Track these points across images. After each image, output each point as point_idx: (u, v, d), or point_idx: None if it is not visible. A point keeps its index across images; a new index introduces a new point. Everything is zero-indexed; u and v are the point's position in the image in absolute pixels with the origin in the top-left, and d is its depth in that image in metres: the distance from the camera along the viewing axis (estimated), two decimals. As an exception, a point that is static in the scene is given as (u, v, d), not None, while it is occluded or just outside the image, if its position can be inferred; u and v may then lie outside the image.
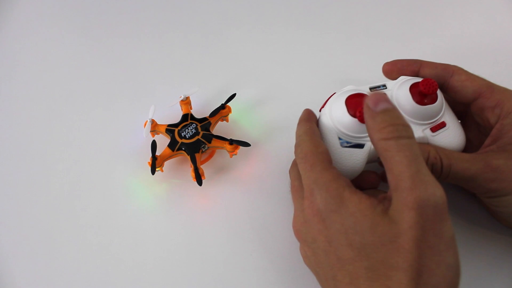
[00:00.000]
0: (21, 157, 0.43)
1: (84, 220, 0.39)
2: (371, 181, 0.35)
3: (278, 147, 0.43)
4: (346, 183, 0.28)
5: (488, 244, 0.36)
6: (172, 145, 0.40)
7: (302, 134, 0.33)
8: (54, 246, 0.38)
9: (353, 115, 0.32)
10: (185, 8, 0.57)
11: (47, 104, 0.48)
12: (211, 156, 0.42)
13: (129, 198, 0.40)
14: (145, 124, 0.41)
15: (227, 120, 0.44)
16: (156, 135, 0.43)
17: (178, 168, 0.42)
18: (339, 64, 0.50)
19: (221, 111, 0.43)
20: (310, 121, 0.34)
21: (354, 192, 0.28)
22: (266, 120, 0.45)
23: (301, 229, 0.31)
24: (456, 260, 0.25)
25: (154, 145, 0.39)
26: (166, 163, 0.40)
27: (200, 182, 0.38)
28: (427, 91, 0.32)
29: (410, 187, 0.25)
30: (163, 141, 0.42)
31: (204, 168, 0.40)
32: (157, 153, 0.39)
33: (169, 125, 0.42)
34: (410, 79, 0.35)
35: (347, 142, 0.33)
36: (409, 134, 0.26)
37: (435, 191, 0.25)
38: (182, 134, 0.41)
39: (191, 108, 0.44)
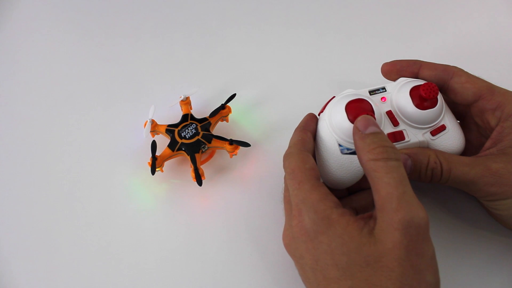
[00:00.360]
0: (21, 157, 0.43)
1: (84, 220, 0.39)
2: None
3: (278, 147, 0.42)
4: (334, 204, 0.29)
5: (488, 245, 0.36)
6: (172, 145, 0.40)
7: (292, 145, 0.33)
8: (54, 246, 0.38)
9: (353, 122, 0.31)
10: (185, 9, 0.57)
11: (47, 104, 0.48)
12: (211, 156, 0.42)
13: (129, 198, 0.40)
14: (145, 124, 0.41)
15: (227, 120, 0.44)
16: (156, 135, 0.43)
17: (178, 168, 0.42)
18: (339, 64, 0.50)
19: (221, 111, 0.43)
20: (304, 131, 0.34)
21: (342, 215, 0.28)
22: (266, 120, 0.45)
23: (290, 244, 0.31)
24: (435, 278, 0.26)
25: (154, 145, 0.39)
26: (166, 163, 0.40)
27: (200, 182, 0.38)
28: (428, 96, 0.32)
29: (396, 208, 0.26)
30: (163, 141, 0.42)
31: (204, 168, 0.40)
32: (157, 153, 0.39)
33: (169, 125, 0.42)
34: (409, 81, 0.35)
35: (347, 149, 0.32)
36: (397, 157, 0.28)
37: (419, 212, 0.26)
38: (182, 134, 0.41)
39: (191, 108, 0.44)
